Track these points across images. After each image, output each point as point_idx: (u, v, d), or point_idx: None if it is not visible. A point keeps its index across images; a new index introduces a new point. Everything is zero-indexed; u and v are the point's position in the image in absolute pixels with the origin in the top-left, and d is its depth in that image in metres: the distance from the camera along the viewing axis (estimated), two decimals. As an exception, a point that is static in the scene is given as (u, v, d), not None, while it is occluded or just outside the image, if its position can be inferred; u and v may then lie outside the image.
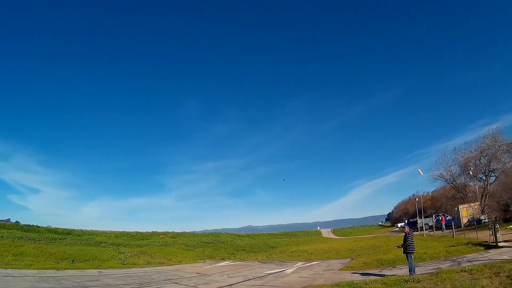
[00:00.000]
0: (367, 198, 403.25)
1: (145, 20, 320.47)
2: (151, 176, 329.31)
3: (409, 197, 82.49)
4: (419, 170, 38.49)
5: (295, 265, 19.32)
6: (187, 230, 50.80)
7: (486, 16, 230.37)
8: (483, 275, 9.65)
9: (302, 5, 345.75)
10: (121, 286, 12.92)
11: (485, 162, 37.45)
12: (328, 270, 16.25)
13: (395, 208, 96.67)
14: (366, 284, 10.45)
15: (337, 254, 25.20)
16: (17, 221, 39.03)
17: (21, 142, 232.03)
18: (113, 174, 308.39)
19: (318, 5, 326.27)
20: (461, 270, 10.70)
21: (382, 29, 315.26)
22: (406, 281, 10.12)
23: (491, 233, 17.44)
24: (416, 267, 11.90)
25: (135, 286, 12.80)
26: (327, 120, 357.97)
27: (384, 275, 12.18)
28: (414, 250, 11.86)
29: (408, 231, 12.23)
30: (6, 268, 15.16)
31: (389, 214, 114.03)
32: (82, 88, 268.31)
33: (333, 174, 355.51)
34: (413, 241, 11.93)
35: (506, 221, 28.21)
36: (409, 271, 11.46)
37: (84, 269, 17.43)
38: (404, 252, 11.96)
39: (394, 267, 14.54)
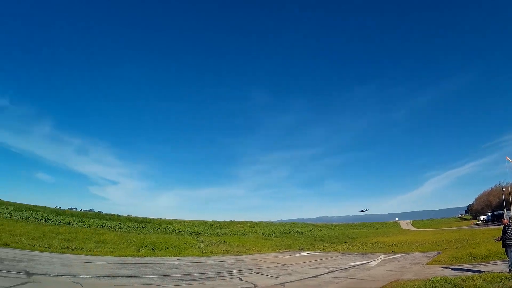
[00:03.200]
0: (443, 189, 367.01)
1: (214, 14, 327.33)
2: (222, 167, 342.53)
3: (491, 188, 75.20)
4: (507, 157, 34.31)
5: (379, 258, 19.20)
6: (262, 220, 52.55)
7: None
8: None
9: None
10: (201, 274, 12.75)
11: None
12: (415, 263, 15.94)
13: (476, 199, 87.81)
14: (463, 281, 9.81)
15: (421, 247, 24.31)
16: (99, 211, 42.46)
17: (97, 137, 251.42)
18: (187, 166, 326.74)
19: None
20: None
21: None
22: (508, 279, 9.54)
23: None
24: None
25: (215, 275, 12.55)
26: (397, 108, 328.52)
27: (480, 271, 11.55)
28: None
29: (508, 222, 11.41)
30: (88, 255, 15.59)
31: (469, 206, 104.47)
32: (153, 85, 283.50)
33: (406, 164, 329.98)
34: None
35: None
36: (509, 267, 10.79)
37: (163, 256, 17.97)
38: (503, 246, 11.26)
39: (488, 262, 13.82)
